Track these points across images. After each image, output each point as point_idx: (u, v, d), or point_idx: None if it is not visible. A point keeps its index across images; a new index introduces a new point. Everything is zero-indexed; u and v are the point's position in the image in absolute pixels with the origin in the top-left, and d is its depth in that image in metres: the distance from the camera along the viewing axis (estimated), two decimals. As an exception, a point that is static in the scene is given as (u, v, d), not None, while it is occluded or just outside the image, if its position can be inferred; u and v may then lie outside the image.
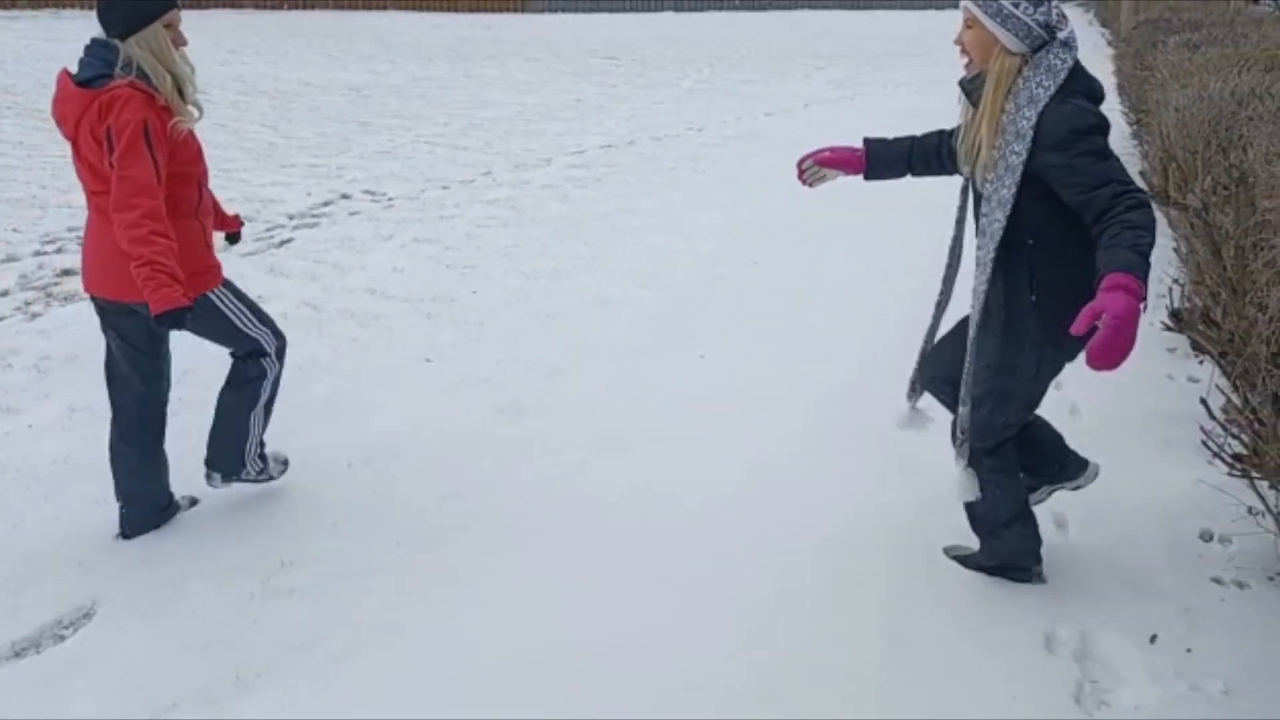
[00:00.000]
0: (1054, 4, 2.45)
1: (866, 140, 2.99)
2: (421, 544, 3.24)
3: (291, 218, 7.21)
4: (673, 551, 3.20)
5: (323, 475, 3.63)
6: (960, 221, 2.80)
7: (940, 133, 2.93)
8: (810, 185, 3.02)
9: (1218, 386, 3.54)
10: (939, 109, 11.44)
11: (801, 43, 20.66)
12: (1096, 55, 15.65)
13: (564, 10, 33.95)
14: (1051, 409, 4.14)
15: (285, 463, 3.58)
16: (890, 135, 3.02)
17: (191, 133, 3.04)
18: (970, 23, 2.49)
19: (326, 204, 7.59)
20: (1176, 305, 3.29)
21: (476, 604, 2.95)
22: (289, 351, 3.44)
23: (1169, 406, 4.25)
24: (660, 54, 18.59)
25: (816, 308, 5.32)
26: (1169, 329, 3.57)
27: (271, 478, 3.49)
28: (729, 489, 3.58)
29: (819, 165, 2.97)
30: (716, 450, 3.86)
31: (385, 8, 28.97)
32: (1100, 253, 2.25)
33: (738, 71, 16.15)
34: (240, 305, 3.24)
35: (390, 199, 7.76)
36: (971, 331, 2.69)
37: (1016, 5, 2.40)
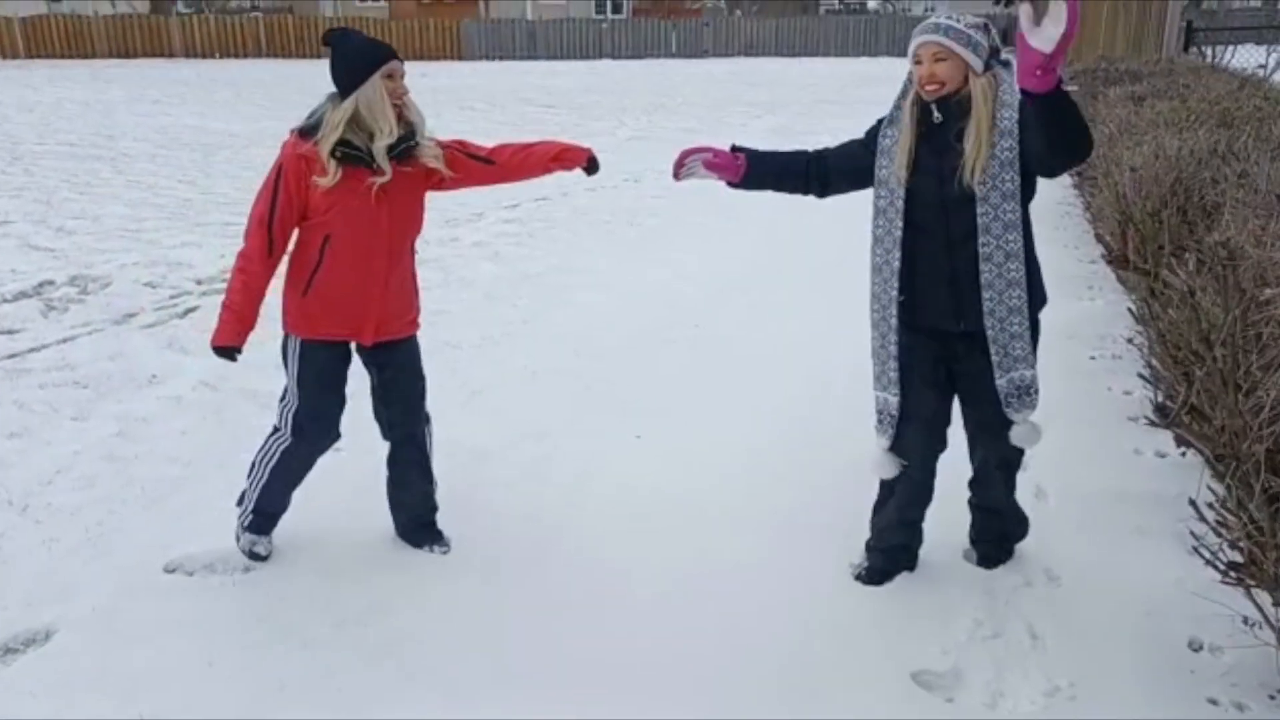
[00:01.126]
0: (992, 30, 2.90)
1: (741, 149, 3.19)
2: (305, 687, 2.80)
3: (200, 283, 6.73)
4: (627, 650, 2.84)
5: (206, 591, 3.18)
6: (898, 227, 2.98)
7: (805, 155, 3.21)
8: (680, 180, 3.18)
9: (1209, 487, 3.21)
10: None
11: (739, 90, 20.61)
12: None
13: (501, 58, 33.89)
14: (1016, 493, 3.87)
15: (259, 555, 3.35)
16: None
17: (378, 191, 3.03)
18: (942, 56, 2.80)
19: (240, 266, 7.11)
20: (1161, 400, 2.97)
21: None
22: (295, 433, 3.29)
23: (1140, 487, 3.95)
24: (598, 102, 18.39)
25: (762, 375, 4.98)
26: (1154, 424, 3.26)
27: (243, 549, 3.36)
28: (679, 580, 3.22)
29: (701, 166, 3.11)
30: (661, 540, 3.48)
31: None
32: None
33: (676, 119, 15.97)
34: (300, 369, 3.23)
35: (309, 260, 7.30)
36: (1024, 312, 2.97)
37: (976, 35, 2.82)
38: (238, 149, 12.34)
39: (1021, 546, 3.53)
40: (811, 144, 3.40)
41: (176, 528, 3.56)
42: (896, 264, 2.98)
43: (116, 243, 7.78)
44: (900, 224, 2.96)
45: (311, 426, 3.25)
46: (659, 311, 6.11)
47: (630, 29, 35.70)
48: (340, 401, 3.28)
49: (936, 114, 2.87)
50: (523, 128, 14.72)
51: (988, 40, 2.84)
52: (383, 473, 3.48)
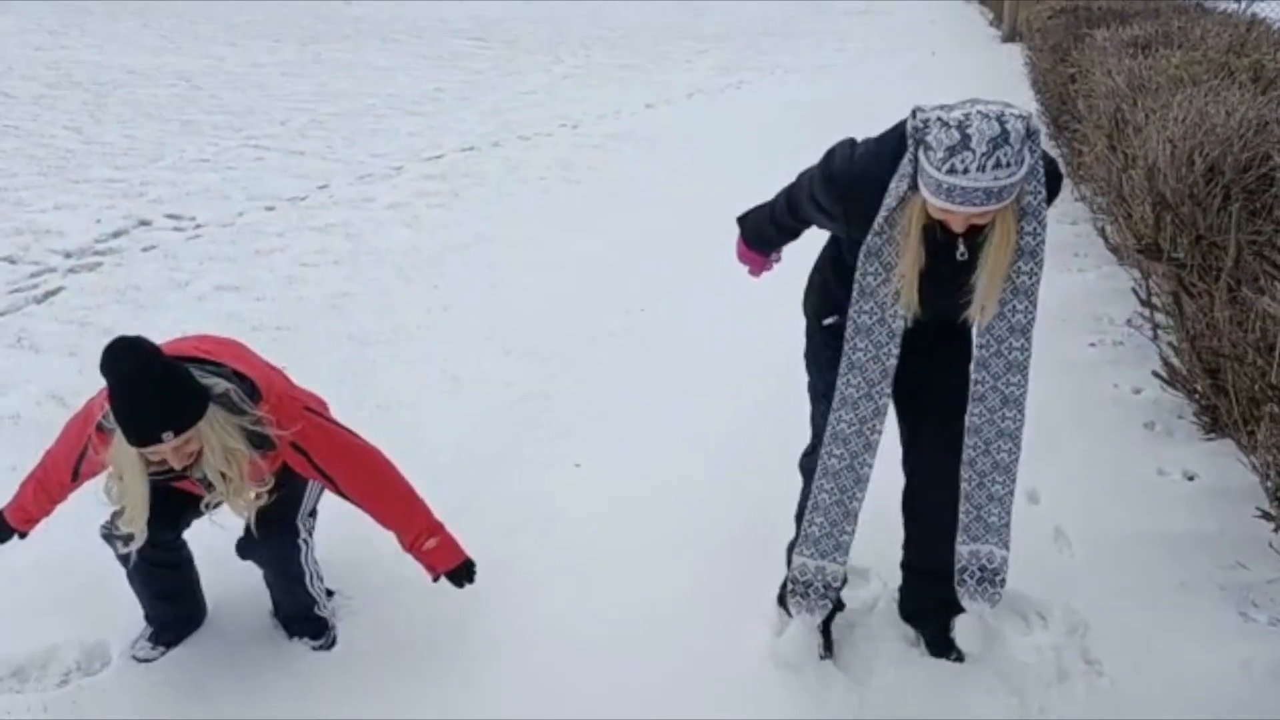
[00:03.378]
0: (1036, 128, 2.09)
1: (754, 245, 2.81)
2: None
3: (69, 256, 5.80)
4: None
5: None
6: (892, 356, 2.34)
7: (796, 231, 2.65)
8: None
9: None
10: (828, 98, 10.70)
11: (682, 22, 19.56)
12: (989, 49, 15.04)
13: (431, -17, 32.18)
14: (1032, 535, 3.23)
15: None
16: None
17: None
18: (989, 216, 2.09)
19: (117, 234, 6.19)
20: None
21: None
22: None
23: (1175, 525, 3.32)
24: (531, 33, 17.27)
25: (719, 377, 4.27)
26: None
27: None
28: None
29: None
30: (606, 590, 2.80)
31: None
32: None
33: (615, 53, 14.98)
34: None
35: (198, 225, 6.40)
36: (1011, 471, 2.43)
37: (1025, 169, 2.03)
38: (134, 88, 11.19)
39: (1048, 614, 2.90)
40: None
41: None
42: (885, 400, 2.38)
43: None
44: (895, 353, 2.33)
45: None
46: (601, 293, 5.35)
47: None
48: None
49: (962, 250, 2.19)
50: (449, 65, 13.66)
51: (1034, 155, 2.09)
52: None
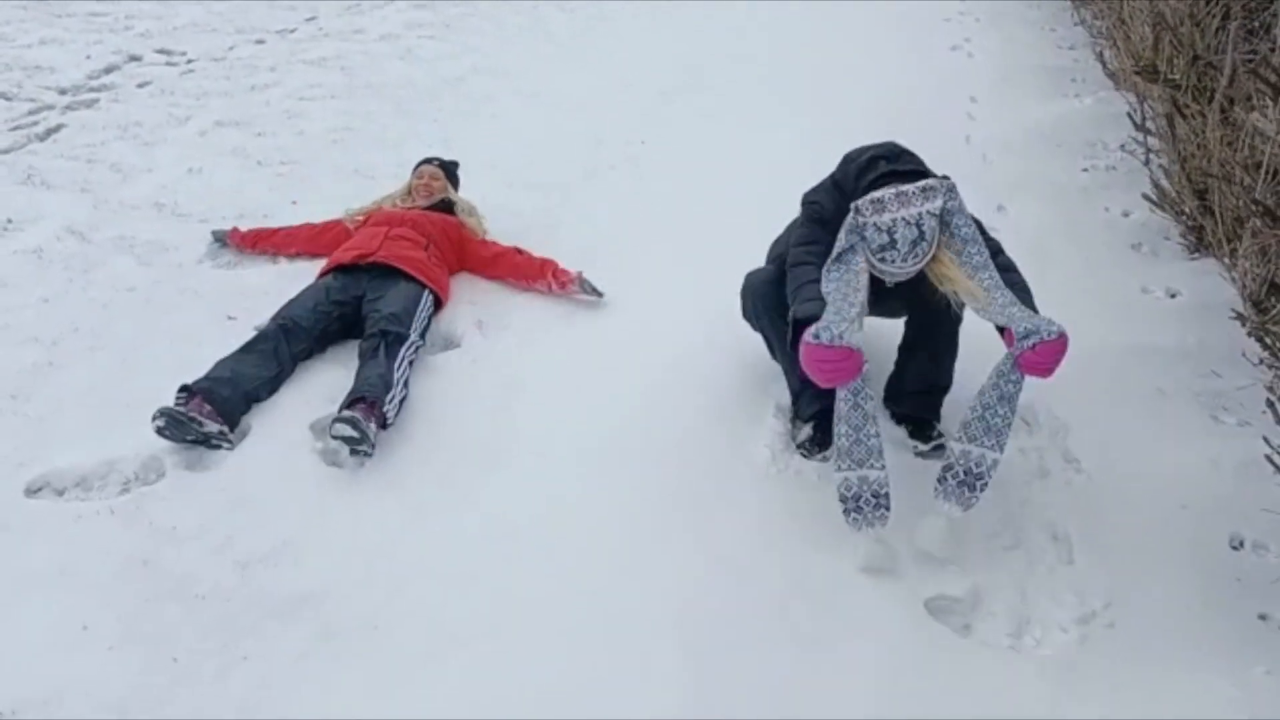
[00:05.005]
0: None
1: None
2: (201, 657, 2.30)
3: (64, 93, 5.75)
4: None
5: (79, 523, 2.62)
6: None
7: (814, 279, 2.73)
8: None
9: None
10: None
11: None
12: None
13: None
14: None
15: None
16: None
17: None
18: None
19: (109, 70, 6.12)
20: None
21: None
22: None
23: (1156, 338, 3.51)
24: None
25: (723, 205, 4.36)
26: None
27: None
28: (649, 522, 2.73)
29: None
30: (622, 473, 2.98)
31: None
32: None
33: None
34: None
35: (190, 61, 6.32)
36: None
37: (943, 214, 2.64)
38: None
39: (1033, 419, 3.11)
40: None
41: (39, 435, 2.94)
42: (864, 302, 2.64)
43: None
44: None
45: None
46: (599, 125, 5.38)
47: None
48: None
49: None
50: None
51: (955, 205, 2.66)
52: None
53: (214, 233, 4.06)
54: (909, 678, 2.25)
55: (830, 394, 2.58)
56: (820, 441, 2.89)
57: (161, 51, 6.48)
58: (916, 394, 3.04)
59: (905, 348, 3.03)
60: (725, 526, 2.64)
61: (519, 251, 3.84)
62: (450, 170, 4.23)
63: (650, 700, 2.15)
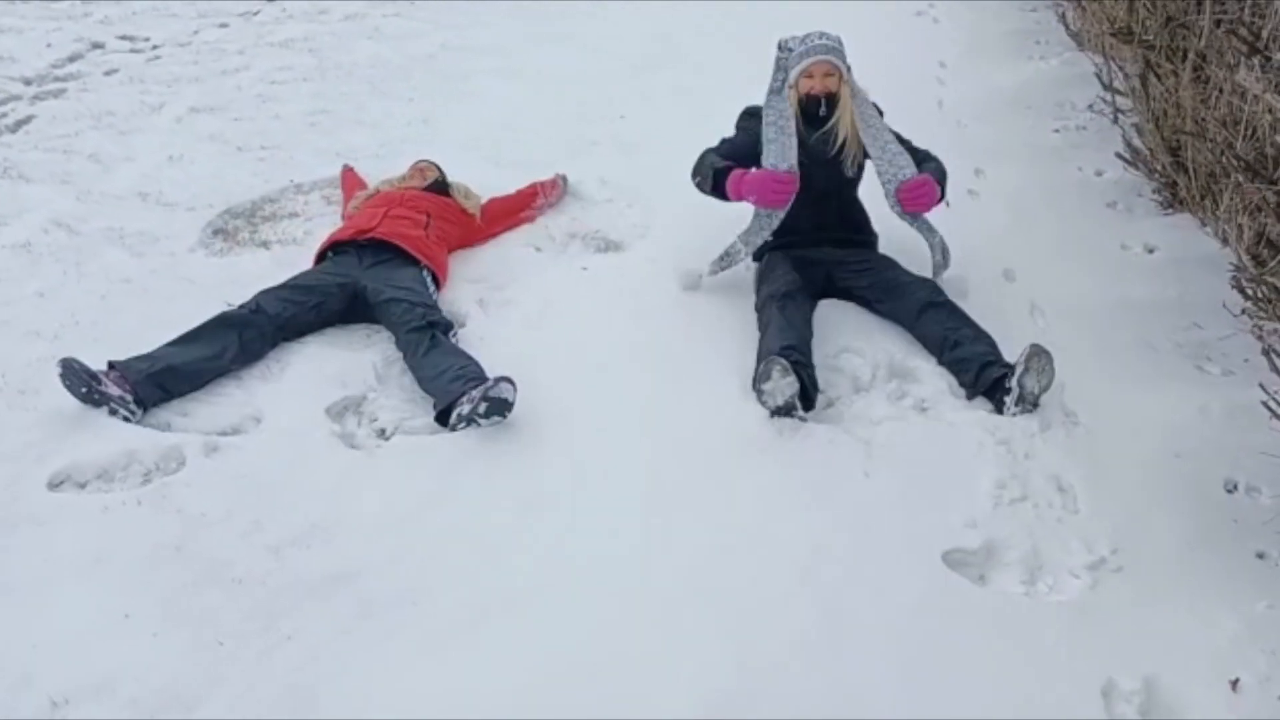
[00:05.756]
0: None
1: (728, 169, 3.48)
2: (246, 639, 2.34)
3: (29, 83, 5.67)
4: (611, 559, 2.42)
5: (105, 513, 2.64)
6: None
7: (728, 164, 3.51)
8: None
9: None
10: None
11: None
12: None
13: None
14: (1009, 309, 3.54)
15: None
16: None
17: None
18: (832, 73, 3.42)
19: (73, 59, 6.03)
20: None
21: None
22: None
23: (1138, 292, 3.65)
24: None
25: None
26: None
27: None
28: (670, 484, 2.80)
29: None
30: (606, 381, 3.05)
31: None
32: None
33: None
34: None
35: (155, 47, 6.24)
36: None
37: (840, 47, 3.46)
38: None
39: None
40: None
41: (54, 428, 2.94)
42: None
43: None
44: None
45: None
46: (577, 100, 5.41)
47: None
48: None
49: (824, 109, 3.45)
50: None
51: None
52: None
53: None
54: (932, 630, 2.34)
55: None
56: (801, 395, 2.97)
57: (125, 38, 6.39)
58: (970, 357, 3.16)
59: (916, 328, 3.32)
60: (746, 492, 2.72)
61: (495, 200, 4.10)
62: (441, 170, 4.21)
63: (687, 668, 2.22)
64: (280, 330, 3.28)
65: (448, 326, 3.29)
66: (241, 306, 3.28)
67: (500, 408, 2.89)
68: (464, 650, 2.28)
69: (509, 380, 2.90)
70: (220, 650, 2.27)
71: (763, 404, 2.95)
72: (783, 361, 2.91)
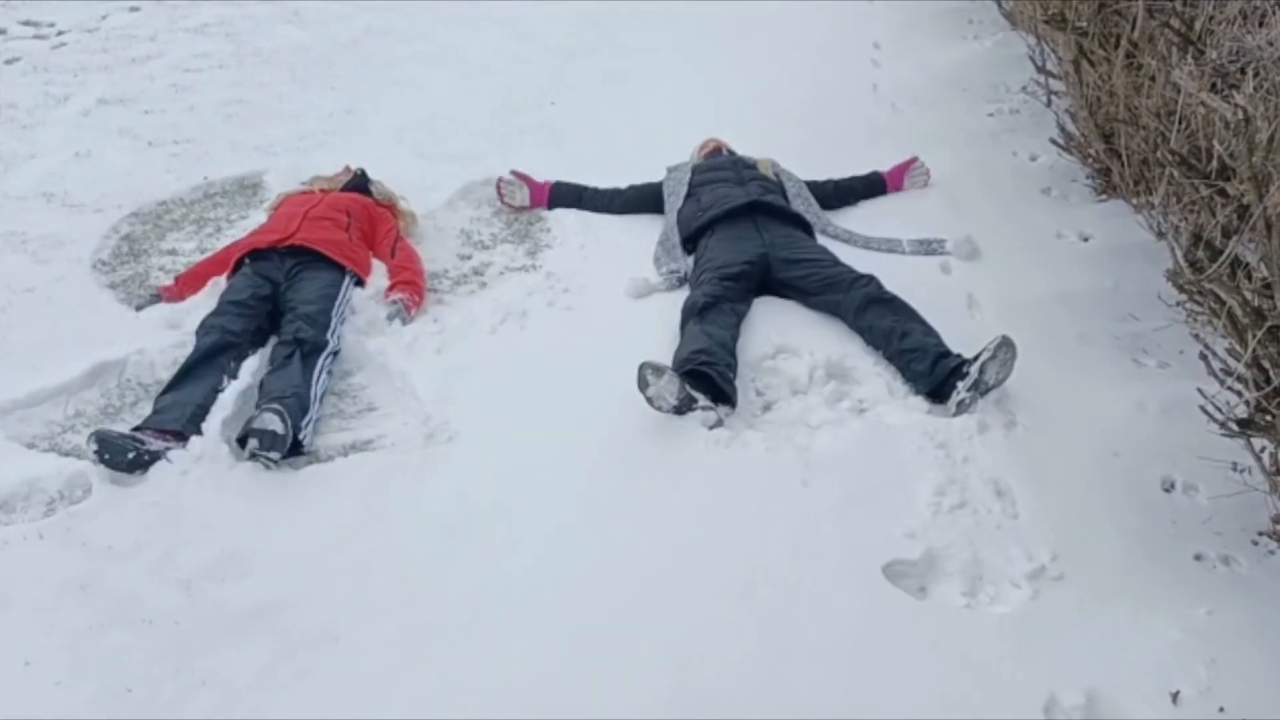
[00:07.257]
0: None
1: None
2: (157, 684, 2.22)
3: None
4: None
5: (5, 548, 2.48)
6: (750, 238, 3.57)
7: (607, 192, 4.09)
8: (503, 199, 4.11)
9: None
10: None
11: None
12: None
13: None
14: (946, 302, 3.50)
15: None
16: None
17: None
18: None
19: (-28, 47, 5.74)
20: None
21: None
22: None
23: (1074, 283, 3.61)
24: None
25: (638, 160, 4.30)
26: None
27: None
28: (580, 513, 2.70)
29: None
30: (559, 377, 2.94)
31: None
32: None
33: None
34: None
35: (60, 33, 5.96)
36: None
37: None
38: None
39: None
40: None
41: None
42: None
43: None
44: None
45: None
46: (506, 87, 5.25)
47: None
48: None
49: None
50: None
51: None
52: None
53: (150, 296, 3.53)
54: (873, 648, 2.29)
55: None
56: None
57: (28, 23, 6.09)
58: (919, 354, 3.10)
59: (860, 324, 3.27)
60: (685, 507, 2.64)
61: (404, 268, 3.56)
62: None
63: (630, 694, 2.14)
64: (252, 345, 3.20)
65: (315, 347, 3.08)
66: (208, 334, 3.11)
67: (267, 440, 2.68)
68: (391, 691, 2.17)
69: (274, 410, 2.69)
70: (129, 698, 2.15)
71: (659, 410, 2.87)
72: (652, 364, 2.83)
